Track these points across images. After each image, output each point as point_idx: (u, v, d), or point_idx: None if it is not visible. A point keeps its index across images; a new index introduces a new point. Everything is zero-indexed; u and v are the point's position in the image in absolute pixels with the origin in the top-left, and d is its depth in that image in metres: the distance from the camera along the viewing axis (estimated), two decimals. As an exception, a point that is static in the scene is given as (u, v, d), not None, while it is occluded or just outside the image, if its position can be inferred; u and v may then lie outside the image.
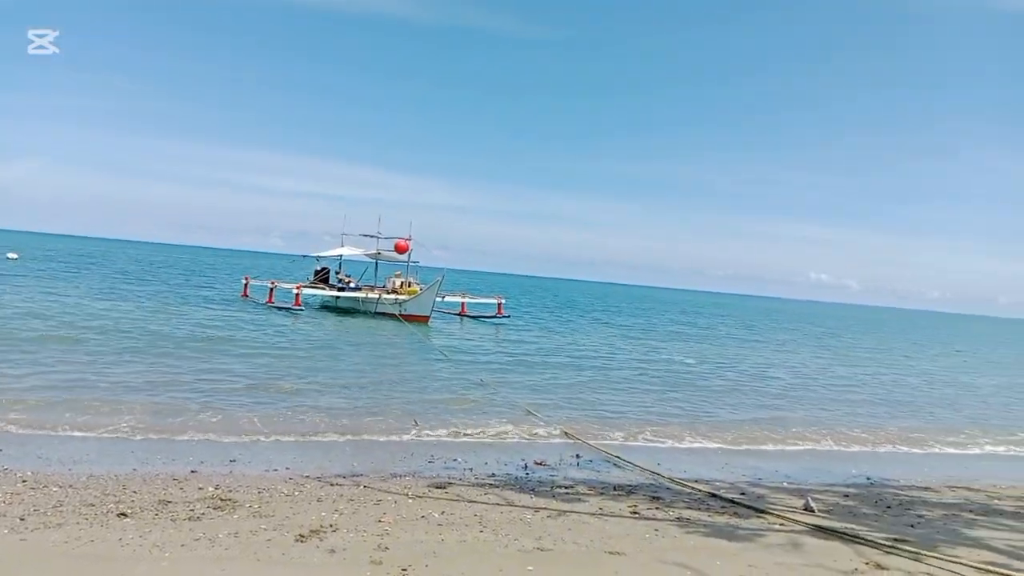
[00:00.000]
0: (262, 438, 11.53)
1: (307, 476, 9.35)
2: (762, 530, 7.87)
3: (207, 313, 31.13)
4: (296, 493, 8.36)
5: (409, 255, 38.88)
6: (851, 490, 10.73)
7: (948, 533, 8.26)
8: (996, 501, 10.54)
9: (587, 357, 27.21)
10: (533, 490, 9.38)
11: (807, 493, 9.75)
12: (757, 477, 11.39)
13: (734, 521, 8.23)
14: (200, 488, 8.31)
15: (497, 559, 6.36)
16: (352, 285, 39.55)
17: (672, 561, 6.53)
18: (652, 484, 10.26)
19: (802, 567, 6.56)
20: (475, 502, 8.49)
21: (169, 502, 7.58)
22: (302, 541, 6.49)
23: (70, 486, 8.06)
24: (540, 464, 11.20)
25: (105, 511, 7.12)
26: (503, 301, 43.38)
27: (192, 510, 7.31)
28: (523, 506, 8.44)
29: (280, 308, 35.37)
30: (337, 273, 40.81)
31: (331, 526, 7.00)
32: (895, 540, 7.60)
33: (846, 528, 8.01)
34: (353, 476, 9.55)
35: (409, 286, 38.04)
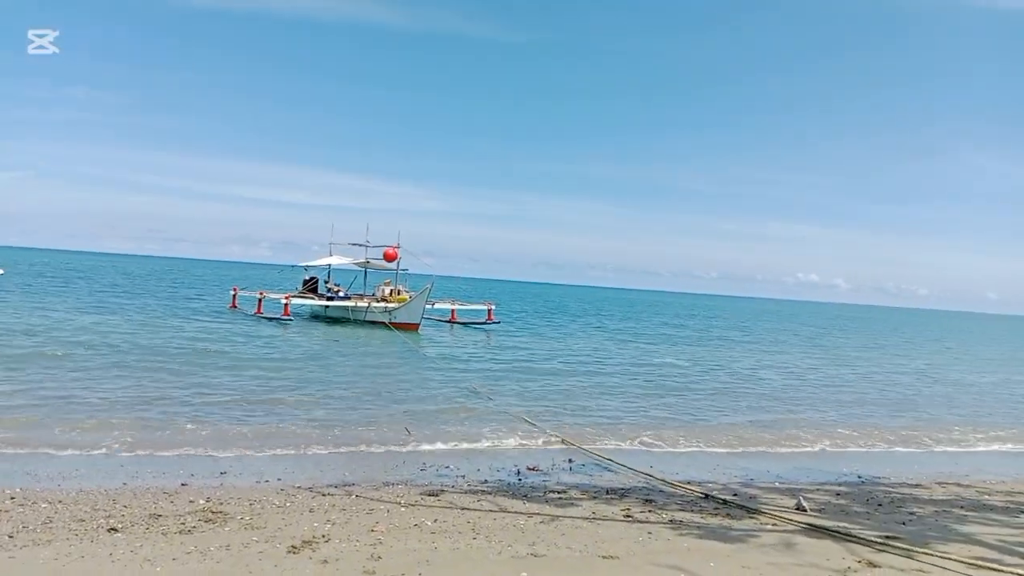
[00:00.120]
0: (253, 450, 11.47)
1: (299, 487, 9.31)
2: (755, 530, 7.89)
3: (196, 325, 30.99)
4: (288, 504, 8.33)
5: (398, 263, 38.84)
6: (842, 489, 10.77)
7: (939, 529, 8.31)
8: (986, 497, 10.60)
9: (578, 362, 27.23)
10: (526, 496, 9.38)
11: (799, 493, 9.78)
12: (749, 478, 11.43)
13: (727, 522, 8.25)
14: (191, 501, 8.26)
15: (491, 566, 6.35)
16: (341, 294, 39.45)
17: (666, 564, 6.54)
18: (645, 487, 10.28)
19: (795, 567, 6.58)
20: (468, 509, 8.47)
21: (160, 516, 7.54)
22: (294, 552, 6.47)
23: (59, 502, 8.00)
24: (533, 469, 11.20)
25: (95, 526, 7.07)
26: (493, 307, 43.37)
27: (183, 523, 7.26)
28: (516, 512, 8.44)
29: (269, 319, 35.25)
30: (326, 282, 40.70)
31: (323, 536, 6.98)
32: (887, 538, 7.63)
33: (838, 527, 8.04)
34: (345, 486, 9.52)
35: (398, 294, 37.99)
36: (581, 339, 38.74)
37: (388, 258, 38.74)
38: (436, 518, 7.92)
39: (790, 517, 8.47)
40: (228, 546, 6.58)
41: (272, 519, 7.60)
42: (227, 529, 7.16)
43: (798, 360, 34.34)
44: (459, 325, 41.47)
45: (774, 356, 35.67)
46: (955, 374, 33.07)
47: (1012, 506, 9.96)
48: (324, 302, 38.67)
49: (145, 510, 7.77)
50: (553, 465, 11.59)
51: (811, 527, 8.03)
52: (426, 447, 12.44)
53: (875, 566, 6.64)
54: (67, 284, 57.20)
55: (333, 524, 7.48)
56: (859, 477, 11.94)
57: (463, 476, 10.56)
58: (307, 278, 40.86)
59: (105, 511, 7.67)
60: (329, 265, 40.60)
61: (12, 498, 8.06)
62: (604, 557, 6.71)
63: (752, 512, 8.74)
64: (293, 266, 41.85)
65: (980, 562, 6.78)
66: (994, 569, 6.57)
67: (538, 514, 8.35)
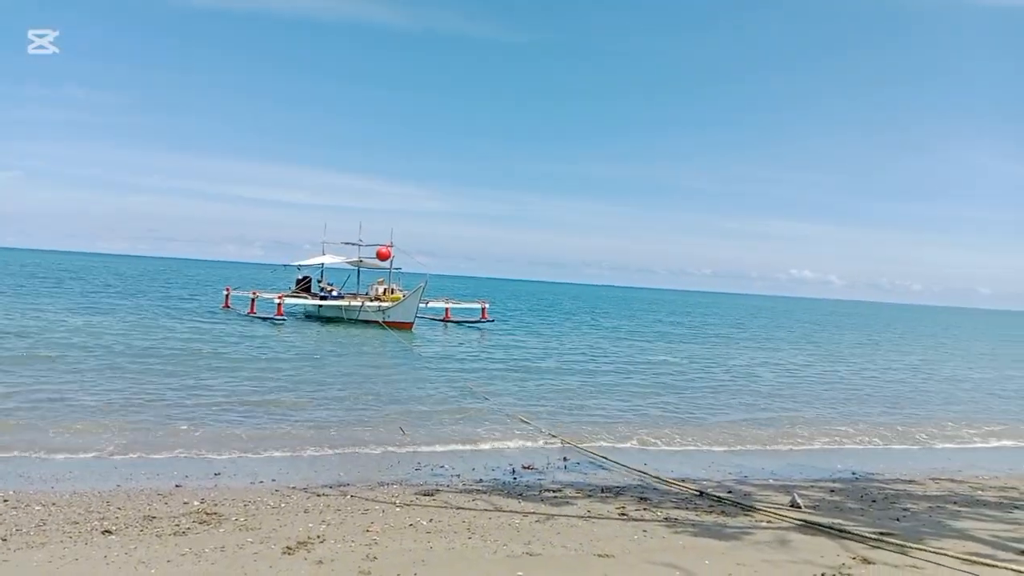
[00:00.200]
0: (247, 451, 11.44)
1: (293, 487, 9.29)
2: (749, 528, 7.91)
3: (189, 325, 30.90)
4: (282, 505, 8.31)
5: (391, 262, 38.81)
6: (837, 485, 10.80)
7: (933, 525, 8.34)
8: (979, 492, 10.64)
9: (573, 360, 27.25)
10: (521, 494, 9.38)
11: (793, 489, 9.81)
12: (744, 475, 11.45)
13: (722, 519, 8.26)
14: (185, 502, 8.24)
15: (486, 565, 6.35)
16: (335, 293, 39.39)
17: (661, 562, 6.55)
18: (640, 485, 10.29)
19: (790, 564, 6.59)
20: (463, 508, 8.47)
21: (154, 517, 7.52)
22: (289, 553, 6.45)
23: (53, 504, 7.97)
24: (528, 468, 11.20)
25: (89, 528, 7.04)
26: (487, 305, 43.35)
27: (177, 525, 7.25)
28: (511, 511, 8.44)
29: (263, 318, 35.18)
30: (319, 281, 40.64)
31: (318, 537, 6.97)
32: (881, 534, 7.65)
33: (832, 523, 8.06)
34: (340, 486, 9.51)
35: (392, 293, 37.96)
36: (576, 337, 38.77)
37: (381, 257, 38.71)
38: (431, 518, 7.92)
39: (785, 514, 8.49)
40: (223, 547, 6.57)
41: (267, 520, 7.58)
42: (222, 530, 7.14)
43: (793, 357, 34.43)
44: (453, 324, 41.43)
45: (769, 353, 35.74)
46: (949, 370, 33.17)
47: (1005, 501, 10.00)
48: (317, 301, 38.62)
49: (139, 512, 7.74)
50: (548, 464, 11.59)
51: (806, 524, 8.05)
52: (421, 447, 12.42)
53: (869, 562, 6.66)
54: (59, 285, 56.99)
55: (328, 524, 7.47)
56: (853, 474, 11.98)
57: (458, 475, 10.55)
58: (300, 277, 40.79)
59: (99, 513, 7.65)
60: (322, 264, 40.57)
61: (5, 501, 8.03)
62: (599, 555, 6.72)
63: (747, 509, 8.76)
64: (286, 266, 41.80)
65: (974, 558, 6.81)
66: (988, 564, 6.60)
67: (533, 513, 8.35)
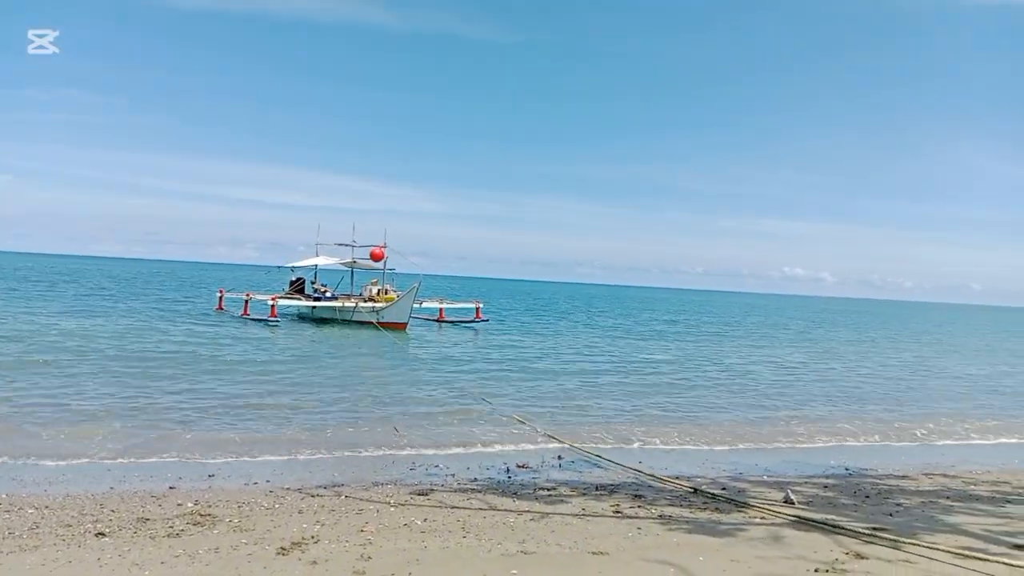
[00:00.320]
0: (241, 453, 11.42)
1: (287, 488, 9.29)
2: (743, 524, 7.93)
3: (182, 328, 30.83)
4: (276, 506, 8.30)
5: (385, 262, 38.79)
6: (830, 481, 10.84)
7: (926, 520, 8.37)
8: (972, 487, 10.69)
9: (567, 359, 27.27)
10: (516, 493, 9.39)
11: (787, 486, 9.84)
12: (738, 472, 11.48)
13: (716, 516, 8.28)
14: (179, 504, 8.23)
15: (480, 564, 6.36)
16: (328, 294, 39.35)
17: (655, 559, 6.56)
18: (634, 482, 10.31)
19: (783, 559, 6.62)
20: (458, 507, 8.48)
21: (148, 519, 7.50)
22: (283, 554, 6.45)
23: (46, 507, 7.95)
24: (522, 467, 11.21)
25: (82, 531, 7.03)
26: (481, 305, 43.37)
27: (171, 527, 7.24)
28: (506, 510, 8.44)
29: (256, 320, 35.13)
30: (313, 283, 40.59)
31: (312, 537, 6.97)
32: (874, 529, 7.69)
33: (826, 519, 8.09)
34: (334, 486, 9.50)
35: (386, 293, 37.93)
36: (571, 336, 38.79)
37: (375, 258, 38.70)
38: (426, 517, 7.92)
39: (778, 510, 8.51)
40: (217, 549, 6.56)
41: (261, 521, 7.58)
42: (215, 532, 7.13)
43: (787, 354, 34.51)
44: (447, 324, 41.42)
45: (763, 351, 35.82)
46: (942, 366, 33.28)
47: (998, 496, 10.05)
48: (311, 303, 38.58)
49: (133, 514, 7.73)
50: (543, 462, 11.60)
51: (799, 520, 8.08)
52: (416, 447, 12.41)
53: (862, 557, 6.68)
54: (53, 288, 56.79)
55: (322, 525, 7.46)
56: (847, 469, 12.02)
57: (453, 475, 10.56)
58: (294, 279, 40.74)
59: (92, 516, 7.63)
60: (316, 265, 40.51)
61: (-2, 504, 8.01)
62: (594, 553, 6.73)
63: (741, 506, 8.78)
64: (280, 267, 41.74)
65: (966, 552, 6.84)
66: (980, 559, 6.63)
67: (528, 511, 8.36)
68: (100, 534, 6.93)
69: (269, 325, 33.93)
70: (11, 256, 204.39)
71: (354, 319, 36.36)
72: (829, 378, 25.88)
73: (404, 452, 11.99)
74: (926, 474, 11.70)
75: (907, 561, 6.62)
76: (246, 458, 11.10)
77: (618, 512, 8.41)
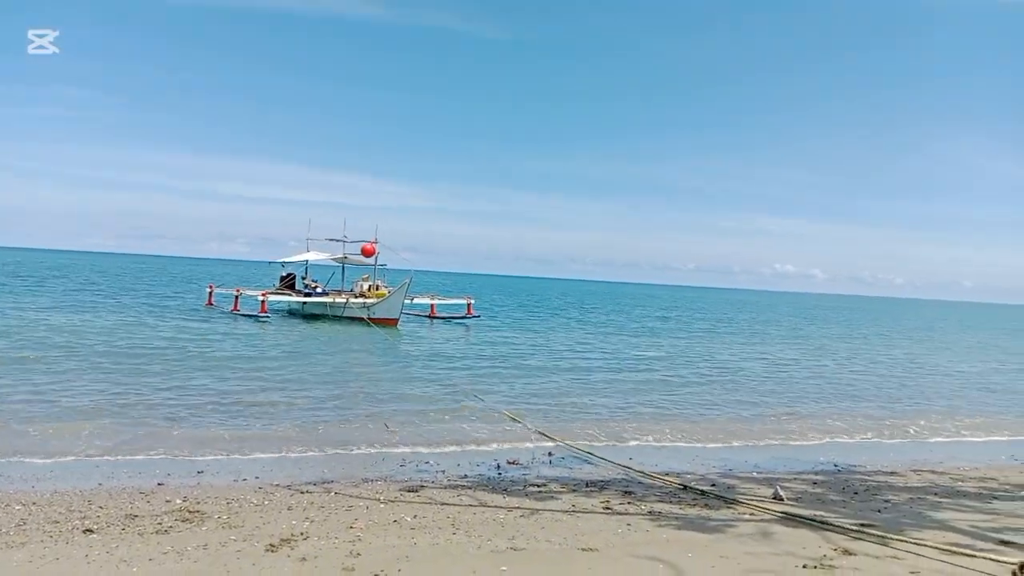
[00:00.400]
0: (230, 450, 11.38)
1: (277, 485, 9.26)
2: (733, 520, 7.95)
3: (172, 324, 30.72)
4: (266, 502, 8.28)
5: (376, 258, 38.73)
6: (819, 477, 10.88)
7: (914, 516, 8.41)
8: (960, 483, 10.75)
9: (559, 355, 27.29)
10: (506, 490, 9.39)
11: (776, 482, 9.88)
12: (728, 468, 11.51)
13: (705, 513, 8.30)
14: (167, 501, 8.20)
15: (470, 560, 6.36)
16: (319, 290, 39.28)
17: (645, 555, 6.57)
18: (624, 479, 10.32)
19: (772, 556, 6.64)
20: (448, 504, 8.47)
21: (136, 516, 7.47)
22: (273, 551, 6.43)
23: (33, 504, 7.91)
24: (512, 463, 11.21)
25: (70, 528, 6.99)
26: (472, 301, 43.34)
27: (160, 523, 7.21)
28: (496, 506, 8.44)
29: (246, 316, 35.02)
30: (303, 278, 40.49)
31: (302, 534, 6.95)
32: (862, 525, 7.72)
33: (814, 515, 8.12)
34: (324, 483, 9.48)
35: (377, 289, 37.88)
36: (562, 332, 38.81)
37: (366, 253, 38.65)
38: (416, 514, 7.92)
39: (767, 507, 8.54)
40: (205, 545, 6.54)
41: (250, 518, 7.55)
42: (204, 528, 7.11)
43: (779, 351, 34.60)
44: (438, 320, 41.38)
45: (755, 347, 35.92)
46: (933, 363, 33.41)
47: (985, 492, 10.10)
48: (302, 298, 38.49)
49: (121, 510, 7.70)
50: (533, 459, 11.61)
51: (788, 516, 8.10)
52: (406, 443, 12.39)
53: (850, 554, 6.71)
54: (42, 283, 56.48)
55: (312, 521, 7.45)
56: (836, 466, 12.07)
57: (443, 471, 10.55)
58: (284, 274, 40.64)
59: (80, 512, 7.59)
60: (306, 261, 40.43)
61: (-15, 501, 7.96)
62: (583, 549, 6.74)
63: (730, 502, 8.81)
64: (270, 262, 41.62)
65: (953, 548, 6.87)
66: (967, 554, 6.66)
67: (518, 508, 8.36)
68: (88, 531, 6.90)
69: (259, 321, 33.83)
70: (0, 251, 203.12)
71: (345, 315, 36.29)
72: (821, 375, 25.96)
73: (395, 449, 11.97)
74: (914, 470, 11.76)
75: (895, 557, 6.65)
76: (236, 455, 11.05)
77: (608, 508, 8.42)
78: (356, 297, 37.26)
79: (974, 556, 6.61)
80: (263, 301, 35.50)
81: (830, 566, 6.34)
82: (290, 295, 39.08)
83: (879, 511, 8.66)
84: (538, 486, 9.68)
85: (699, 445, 13.59)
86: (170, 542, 6.61)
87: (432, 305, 42.60)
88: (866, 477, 11.07)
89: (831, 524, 7.74)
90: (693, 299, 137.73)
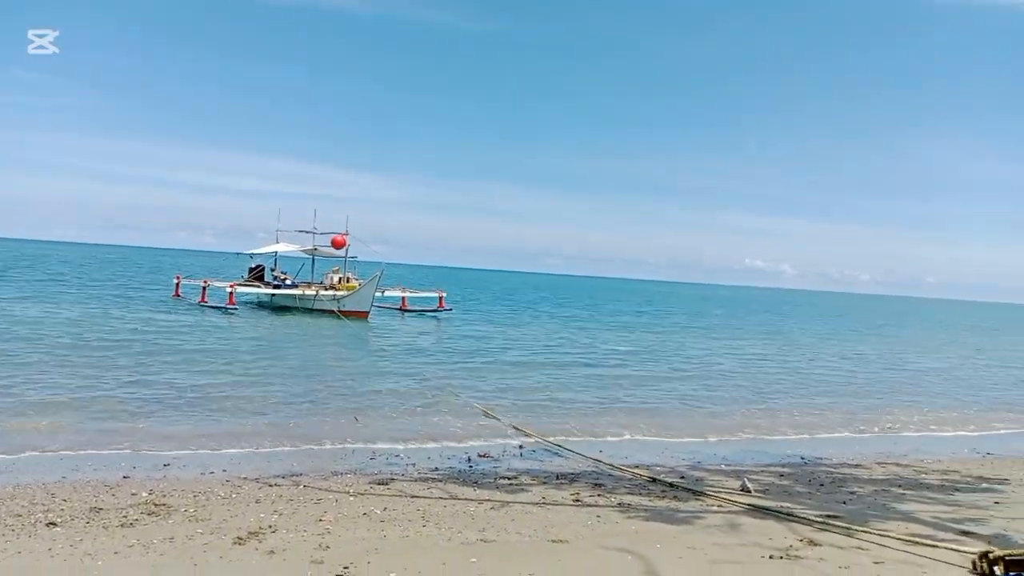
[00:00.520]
0: (197, 443, 11.23)
1: (245, 478, 9.18)
2: (701, 512, 8.03)
3: (138, 315, 30.28)
4: (233, 495, 8.20)
5: (346, 250, 38.48)
6: (786, 470, 11.01)
7: (878, 508, 8.55)
8: (923, 475, 10.94)
9: (530, 349, 27.34)
10: (476, 482, 9.39)
11: (744, 474, 9.97)
12: (697, 460, 11.62)
13: (674, 504, 8.37)
14: (133, 494, 8.09)
15: (440, 552, 6.35)
16: (288, 282, 38.93)
17: (614, 547, 6.61)
18: (594, 472, 10.37)
19: (738, 546, 6.71)
20: (418, 497, 8.45)
21: (101, 509, 7.37)
22: (240, 544, 6.38)
23: (-6, 497, 7.76)
24: (483, 456, 11.22)
25: (33, 521, 6.88)
26: (444, 294, 43.23)
27: (125, 516, 7.11)
28: (466, 499, 8.45)
29: (214, 307, 34.64)
30: (272, 270, 40.12)
31: (270, 527, 6.90)
32: (828, 517, 7.83)
33: (781, 507, 8.22)
34: (293, 476, 9.41)
35: (347, 282, 37.64)
36: (534, 326, 38.88)
37: (336, 245, 38.38)
38: (386, 507, 7.89)
39: (735, 499, 8.63)
40: (172, 538, 6.47)
41: (217, 510, 7.48)
42: (171, 521, 7.03)
43: (750, 346, 34.91)
44: (410, 313, 41.23)
45: (725, 342, 36.21)
46: (903, 359, 33.87)
47: (947, 484, 10.30)
48: (271, 290, 38.14)
49: (85, 504, 7.58)
50: (504, 452, 11.62)
51: (755, 508, 8.20)
52: (377, 437, 12.32)
53: (816, 544, 6.81)
54: (4, 273, 55.37)
55: (280, 514, 7.39)
56: (802, 458, 12.22)
57: (413, 464, 10.52)
58: (253, 266, 40.23)
59: (43, 505, 7.47)
60: (276, 252, 40.05)
61: (-56, 494, 7.80)
62: (553, 541, 6.76)
63: (698, 494, 8.89)
64: (239, 254, 41.17)
65: (916, 538, 7.00)
66: (929, 545, 6.79)
67: (488, 500, 8.37)
68: (51, 524, 6.79)
69: (227, 313, 33.47)
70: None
71: (315, 307, 36.02)
72: (791, 369, 26.26)
73: (365, 443, 11.89)
74: (879, 463, 11.94)
75: (859, 548, 6.76)
76: (203, 449, 10.89)
77: (578, 501, 8.46)
78: (326, 289, 36.98)
79: (936, 546, 6.74)
80: (231, 293, 35.12)
81: (796, 557, 6.42)
82: (259, 287, 38.72)
83: (844, 503, 8.79)
84: (509, 479, 9.69)
85: (670, 439, 13.67)
86: (136, 535, 6.53)
87: (403, 298, 42.44)
88: (832, 469, 11.23)
89: (797, 516, 7.84)
90: (666, 294, 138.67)
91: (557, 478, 9.79)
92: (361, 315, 34.61)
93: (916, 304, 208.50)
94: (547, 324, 41.22)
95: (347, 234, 38.17)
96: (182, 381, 16.08)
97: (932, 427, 16.57)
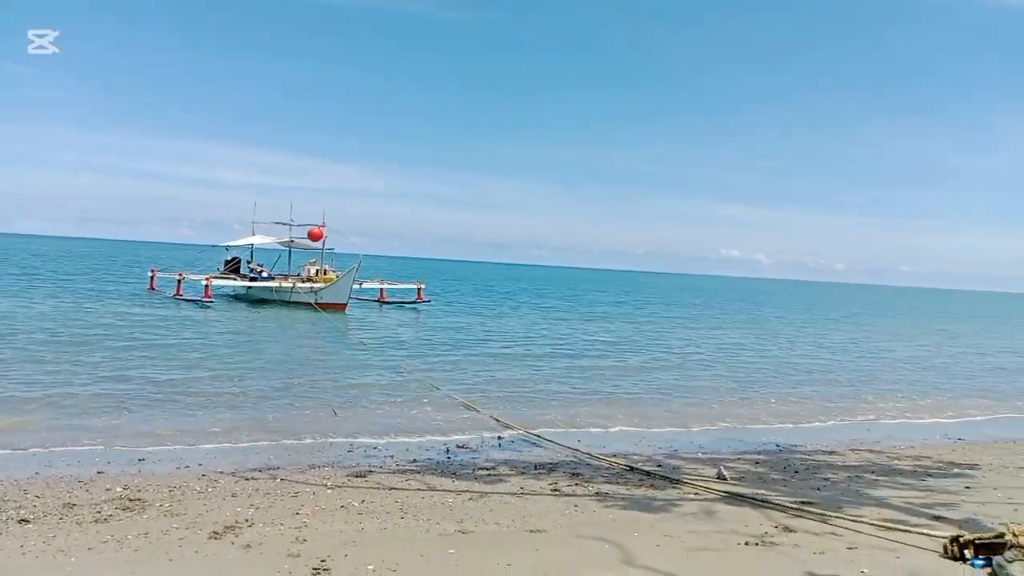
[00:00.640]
0: (174, 439, 11.12)
1: (221, 472, 9.11)
2: (677, 500, 8.09)
3: (112, 309, 29.92)
4: (209, 490, 8.14)
5: (323, 242, 38.27)
6: (761, 457, 11.12)
7: (852, 494, 8.66)
8: (896, 461, 11.09)
9: (511, 340, 27.35)
10: (455, 473, 9.40)
11: (720, 462, 10.06)
12: (673, 449, 11.69)
13: (651, 493, 8.43)
14: (107, 489, 8.01)
15: (418, 544, 6.35)
16: (265, 274, 38.66)
17: (591, 535, 6.65)
18: (572, 461, 10.41)
19: (715, 533, 6.77)
20: (396, 489, 8.44)
21: (74, 505, 7.28)
22: (216, 538, 6.33)
23: (-35, 495, 7.65)
24: (462, 447, 11.22)
25: (5, 518, 6.78)
26: (423, 286, 43.11)
27: (99, 512, 7.04)
28: (444, 490, 8.45)
29: (189, 300, 34.32)
30: (249, 262, 39.82)
31: (246, 521, 6.86)
32: (802, 503, 7.92)
33: (756, 494, 8.30)
34: (269, 469, 9.36)
35: (325, 274, 37.44)
36: (515, 318, 38.88)
37: (313, 237, 38.17)
38: (363, 499, 7.87)
39: (711, 486, 8.70)
40: (146, 533, 6.41)
41: (193, 505, 7.43)
42: (145, 516, 6.97)
43: (727, 336, 35.14)
44: (388, 305, 41.09)
45: (703, 332, 36.43)
46: (879, 347, 34.20)
47: (919, 470, 10.44)
48: (247, 283, 37.85)
49: (58, 500, 7.49)
50: (482, 442, 11.64)
51: (731, 495, 8.27)
52: (354, 429, 12.28)
53: (791, 531, 6.88)
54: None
55: (256, 508, 7.35)
56: (778, 446, 12.34)
57: (391, 456, 10.51)
58: (229, 258, 39.89)
59: (15, 502, 7.37)
60: (252, 245, 39.74)
61: (-87, 492, 7.67)
62: (531, 531, 6.78)
63: (675, 482, 8.95)
64: (214, 246, 40.81)
65: (889, 524, 7.10)
66: (902, 530, 6.88)
67: (466, 491, 8.38)
68: (23, 520, 6.70)
69: (203, 306, 33.17)
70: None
71: (292, 300, 35.81)
72: (769, 358, 26.49)
73: (343, 436, 11.82)
74: (853, 450, 12.09)
75: (833, 534, 6.84)
76: (179, 445, 10.78)
77: (556, 490, 8.49)
78: (303, 282, 36.77)
79: (908, 531, 6.83)
80: (207, 285, 34.78)
81: (771, 543, 6.49)
82: (235, 279, 38.39)
83: (818, 489, 8.89)
84: (487, 469, 9.71)
85: (649, 429, 13.73)
86: (110, 531, 6.47)
87: (381, 290, 42.28)
88: (806, 456, 11.35)
89: (772, 502, 7.92)
90: (645, 284, 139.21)
91: (535, 468, 9.82)
92: (339, 307, 34.45)
93: (891, 293, 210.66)
94: (527, 315, 41.23)
95: (324, 226, 37.99)
96: (157, 375, 15.92)
97: (907, 414, 16.78)
